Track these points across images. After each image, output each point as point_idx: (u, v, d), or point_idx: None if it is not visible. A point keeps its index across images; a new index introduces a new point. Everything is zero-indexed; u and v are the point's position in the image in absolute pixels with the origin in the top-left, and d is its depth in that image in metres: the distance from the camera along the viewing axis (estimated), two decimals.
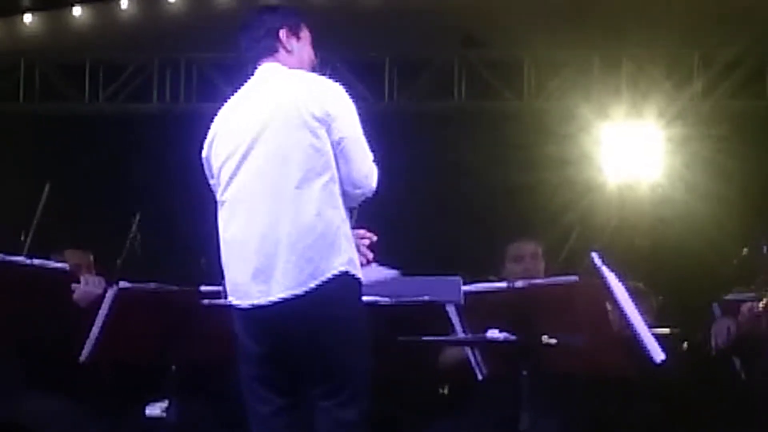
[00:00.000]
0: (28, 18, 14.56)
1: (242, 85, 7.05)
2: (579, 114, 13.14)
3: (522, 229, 9.73)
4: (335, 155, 6.39)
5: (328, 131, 6.39)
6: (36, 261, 7.92)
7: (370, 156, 6.53)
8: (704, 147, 12.74)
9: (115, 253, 9.58)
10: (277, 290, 6.22)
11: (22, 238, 9.06)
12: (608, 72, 13.73)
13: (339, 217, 6.35)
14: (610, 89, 13.58)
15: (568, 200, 12.21)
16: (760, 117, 13.39)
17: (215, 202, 6.72)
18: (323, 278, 6.17)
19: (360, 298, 6.41)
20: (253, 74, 6.75)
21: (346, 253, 6.30)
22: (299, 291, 6.15)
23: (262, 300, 6.23)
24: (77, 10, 14.51)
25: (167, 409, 7.82)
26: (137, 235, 9.81)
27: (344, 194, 6.47)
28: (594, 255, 7.57)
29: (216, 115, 6.81)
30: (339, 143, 6.37)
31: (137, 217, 9.92)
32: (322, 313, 6.22)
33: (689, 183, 12.52)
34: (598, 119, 13.03)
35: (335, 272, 6.17)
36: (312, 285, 6.15)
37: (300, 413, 6.48)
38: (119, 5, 14.43)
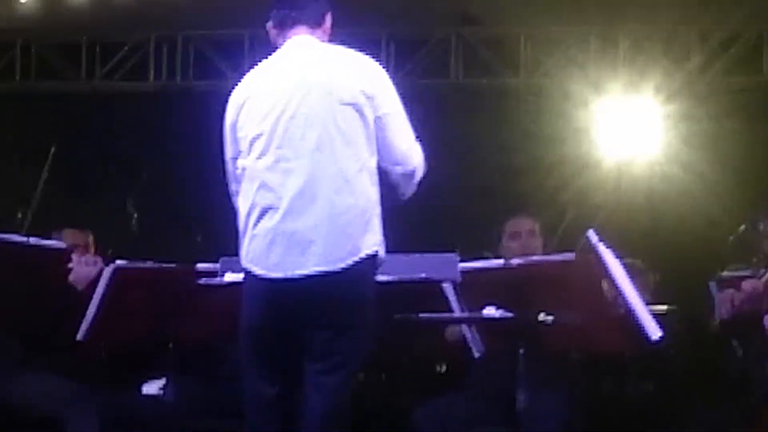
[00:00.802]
0: None
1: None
2: (576, 91, 13.17)
3: (519, 206, 9.53)
4: (376, 132, 6.36)
5: (369, 107, 6.37)
6: (32, 240, 7.87)
7: (411, 134, 6.50)
8: (702, 124, 12.74)
9: (113, 232, 9.43)
10: (313, 264, 6.17)
11: (20, 216, 9.03)
12: (605, 48, 13.73)
13: (376, 196, 6.34)
14: (607, 66, 13.58)
15: (565, 177, 12.23)
16: (757, 93, 13.42)
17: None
18: (358, 257, 6.20)
19: (374, 278, 6.43)
20: (281, 46, 6.66)
21: (379, 234, 6.30)
22: (337, 267, 6.15)
23: (296, 273, 6.18)
24: None
25: (164, 388, 7.91)
26: (134, 214, 9.68)
27: (385, 172, 6.43)
28: (590, 232, 7.53)
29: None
30: (380, 119, 6.35)
31: (131, 201, 9.87)
32: (348, 291, 6.24)
33: (687, 160, 12.52)
34: (595, 96, 13.08)
35: (369, 252, 6.20)
36: (349, 262, 6.16)
37: (292, 406, 6.45)
38: None
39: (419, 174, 6.54)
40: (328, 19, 6.64)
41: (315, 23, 6.54)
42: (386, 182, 6.49)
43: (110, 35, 14.54)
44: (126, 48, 14.23)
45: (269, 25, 6.60)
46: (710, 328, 8.75)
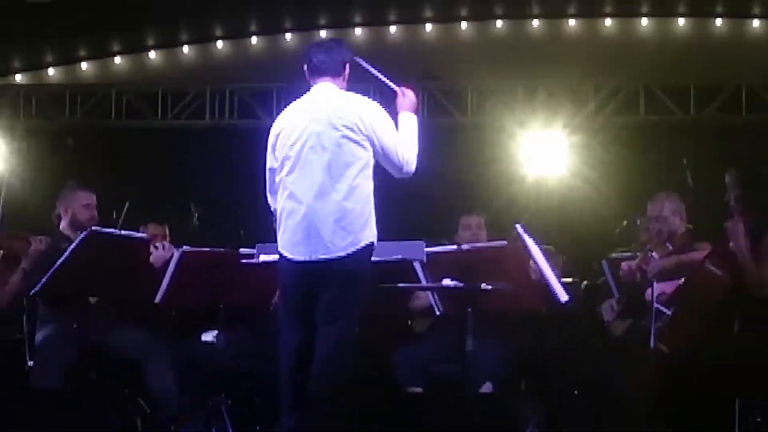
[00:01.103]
0: (117, 59, 15.01)
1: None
2: (507, 127, 13.12)
3: (469, 208, 9.45)
4: (378, 153, 6.49)
5: (370, 139, 6.44)
6: (124, 232, 8.02)
7: (403, 147, 6.58)
8: (596, 151, 12.88)
9: (181, 227, 9.69)
10: (322, 252, 6.32)
11: (114, 216, 8.85)
12: (528, 96, 13.83)
13: (371, 200, 6.42)
14: (529, 109, 13.60)
15: (500, 188, 12.23)
16: (635, 129, 13.43)
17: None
18: (357, 247, 6.32)
19: (371, 260, 6.53)
20: (308, 91, 6.72)
21: (374, 228, 6.44)
22: (342, 254, 6.30)
23: (311, 257, 6.34)
24: (152, 54, 14.98)
25: (216, 337, 8.06)
26: (196, 214, 9.82)
27: (393, 176, 6.62)
28: (518, 226, 7.56)
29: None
30: (379, 145, 6.45)
31: (194, 204, 9.96)
32: (347, 270, 6.37)
33: (585, 176, 12.41)
34: (521, 130, 13.08)
35: (366, 242, 6.32)
36: (350, 251, 6.27)
37: (309, 355, 6.48)
38: (182, 51, 14.90)
39: (413, 168, 6.69)
40: (347, 69, 6.69)
41: (336, 73, 6.62)
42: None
43: (178, 86, 14.46)
44: (189, 96, 14.12)
45: (305, 68, 6.70)
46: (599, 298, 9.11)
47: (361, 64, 6.76)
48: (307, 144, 6.36)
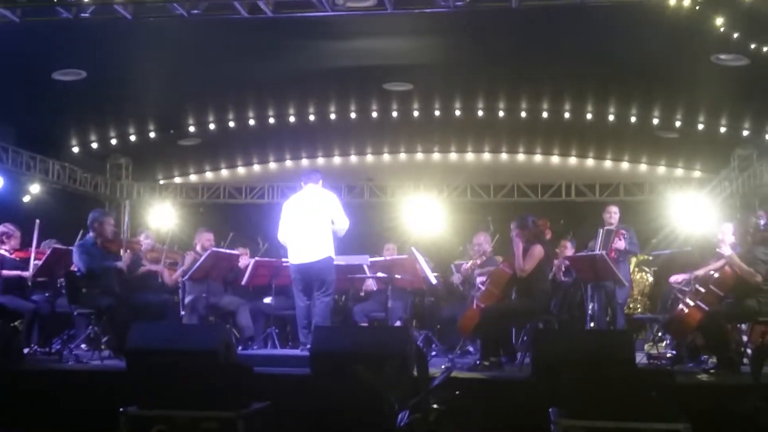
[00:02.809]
0: (223, 171, 17.54)
1: (294, 192, 8.53)
2: (405, 203, 14.34)
3: (388, 240, 10.54)
4: (332, 220, 7.94)
5: (330, 211, 7.96)
6: (227, 250, 9.35)
7: (347, 222, 8.04)
8: (450, 214, 13.78)
9: (254, 250, 10.25)
10: (310, 258, 7.91)
11: (222, 243, 9.94)
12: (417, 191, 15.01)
13: (332, 237, 8.01)
14: (417, 195, 14.83)
15: (402, 231, 12.78)
16: (464, 204, 14.84)
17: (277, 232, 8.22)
18: (327, 255, 7.93)
19: (333, 262, 8.06)
20: (302, 188, 8.19)
21: (332, 249, 8.00)
22: (320, 258, 7.91)
23: (305, 261, 7.92)
24: (240, 169, 17.37)
25: (271, 300, 9.43)
26: (261, 243, 10.26)
27: (336, 232, 8.07)
28: (413, 249, 9.30)
29: (284, 203, 8.39)
30: (334, 217, 7.95)
31: (262, 239, 10.32)
32: (324, 266, 7.95)
33: (444, 225, 13.11)
34: (415, 205, 14.22)
35: (330, 254, 7.97)
36: (323, 257, 7.93)
37: (311, 310, 7.98)
38: (252, 167, 17.26)
39: (344, 232, 8.05)
40: (321, 181, 8.20)
41: (316, 181, 8.18)
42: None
43: (252, 183, 16.59)
44: (257, 188, 16.33)
45: (301, 180, 8.28)
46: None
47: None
48: (300, 216, 7.94)
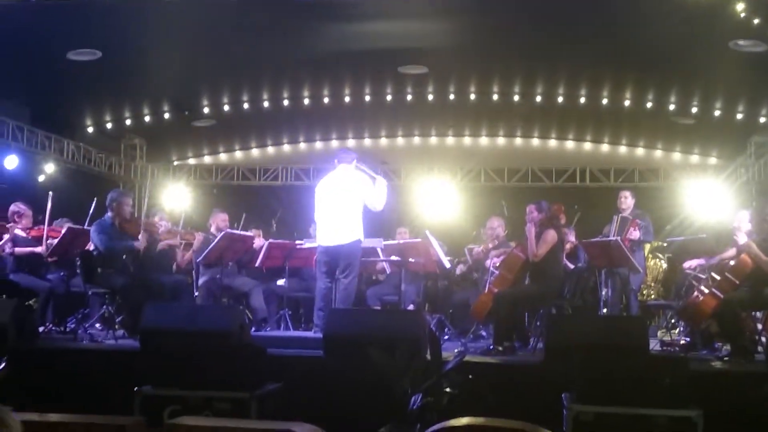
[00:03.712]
0: (237, 153, 17.37)
1: (325, 174, 8.42)
2: (420, 186, 14.35)
3: (400, 223, 10.73)
4: (365, 199, 7.80)
5: (363, 191, 7.82)
6: (241, 232, 9.46)
7: (380, 197, 7.86)
8: (468, 199, 13.80)
9: (268, 231, 10.50)
10: (338, 241, 7.79)
11: (235, 225, 10.05)
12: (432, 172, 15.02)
13: (362, 220, 7.87)
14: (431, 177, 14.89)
15: (415, 214, 12.89)
16: (479, 189, 14.88)
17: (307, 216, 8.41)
18: (356, 238, 7.83)
19: (361, 245, 8.04)
20: (335, 168, 8.10)
21: (361, 232, 7.87)
22: (350, 240, 7.79)
23: (334, 243, 7.82)
24: (254, 151, 17.26)
25: (284, 282, 9.45)
26: (274, 226, 10.56)
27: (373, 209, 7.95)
28: (427, 232, 9.40)
29: (317, 184, 8.30)
30: (367, 200, 7.81)
31: (274, 220, 10.70)
32: (352, 249, 7.85)
33: (459, 209, 13.17)
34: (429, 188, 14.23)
35: (359, 237, 7.86)
36: (353, 240, 7.83)
37: (333, 292, 7.94)
38: (267, 149, 17.15)
39: (381, 207, 7.90)
40: (356, 160, 8.07)
41: (349, 162, 8.05)
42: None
43: (266, 165, 16.53)
44: (271, 170, 16.30)
45: (335, 160, 8.16)
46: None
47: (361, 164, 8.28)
48: (332, 195, 7.94)
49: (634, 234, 9.31)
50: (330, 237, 7.94)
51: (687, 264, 8.50)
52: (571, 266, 9.29)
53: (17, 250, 8.92)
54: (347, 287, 7.85)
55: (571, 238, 9.63)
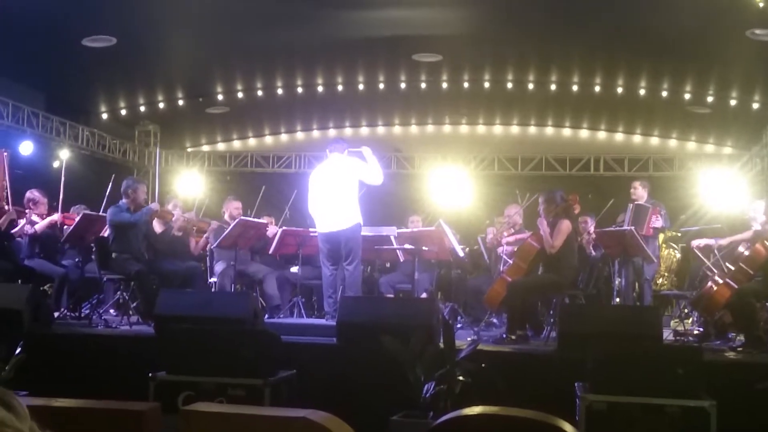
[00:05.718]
0: (251, 140, 17.35)
1: (319, 163, 8.49)
2: (432, 175, 13.98)
3: (413, 211, 10.60)
4: (361, 180, 7.88)
5: (358, 174, 7.88)
6: (255, 219, 9.44)
7: (377, 173, 7.92)
8: (480, 186, 13.51)
9: (281, 218, 10.40)
10: (337, 227, 7.86)
11: (248, 212, 10.03)
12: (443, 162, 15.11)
13: (359, 204, 7.90)
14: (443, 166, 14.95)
15: (428, 202, 12.45)
16: (493, 176, 14.87)
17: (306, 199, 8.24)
18: (355, 223, 7.89)
19: (361, 229, 8.05)
20: (327, 157, 8.21)
21: (359, 216, 7.92)
22: (346, 227, 7.86)
23: (334, 229, 7.89)
24: (267, 138, 17.23)
25: (298, 269, 9.38)
26: (287, 213, 10.40)
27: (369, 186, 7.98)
28: (441, 221, 9.40)
29: (311, 172, 8.43)
30: (364, 177, 7.86)
31: (288, 208, 10.48)
32: (352, 233, 7.90)
33: (473, 198, 12.71)
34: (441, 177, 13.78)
35: (358, 221, 7.93)
36: (352, 224, 7.89)
37: (337, 277, 8.01)
38: (280, 137, 16.05)
39: (381, 178, 7.91)
40: (347, 149, 8.14)
41: (341, 150, 8.13)
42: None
43: (279, 153, 16.57)
44: (284, 157, 16.32)
45: (327, 150, 8.26)
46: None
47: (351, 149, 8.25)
48: (326, 182, 7.98)
49: (657, 222, 9.29)
50: (329, 223, 8.00)
51: (695, 243, 8.49)
52: (594, 253, 9.26)
53: (38, 227, 8.89)
54: (353, 274, 7.92)
55: (591, 227, 9.57)
